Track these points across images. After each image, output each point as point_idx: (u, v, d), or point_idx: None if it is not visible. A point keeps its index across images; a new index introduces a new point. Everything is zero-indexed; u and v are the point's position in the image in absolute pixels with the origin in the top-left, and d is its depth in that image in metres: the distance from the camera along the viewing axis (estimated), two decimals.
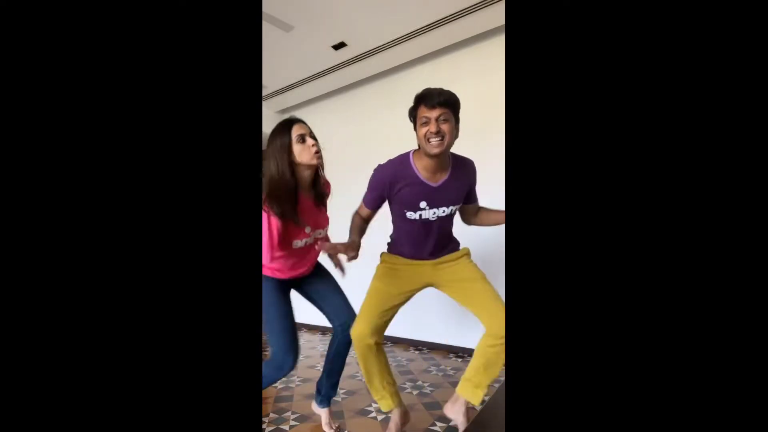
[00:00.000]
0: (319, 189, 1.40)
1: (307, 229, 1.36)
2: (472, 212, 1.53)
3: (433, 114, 1.22)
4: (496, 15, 2.38)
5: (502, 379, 2.16)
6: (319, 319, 1.58)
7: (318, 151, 1.31)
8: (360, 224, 1.42)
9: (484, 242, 2.54)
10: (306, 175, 1.33)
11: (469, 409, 1.41)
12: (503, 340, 1.26)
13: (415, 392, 2.00)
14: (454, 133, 1.27)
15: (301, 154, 1.28)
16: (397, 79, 3.10)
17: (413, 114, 1.30)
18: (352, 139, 3.37)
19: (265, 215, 1.24)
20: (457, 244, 1.49)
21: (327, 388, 1.55)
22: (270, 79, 3.27)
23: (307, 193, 1.36)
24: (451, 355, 2.66)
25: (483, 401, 1.36)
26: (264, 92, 3.48)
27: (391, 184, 1.33)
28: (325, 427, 1.57)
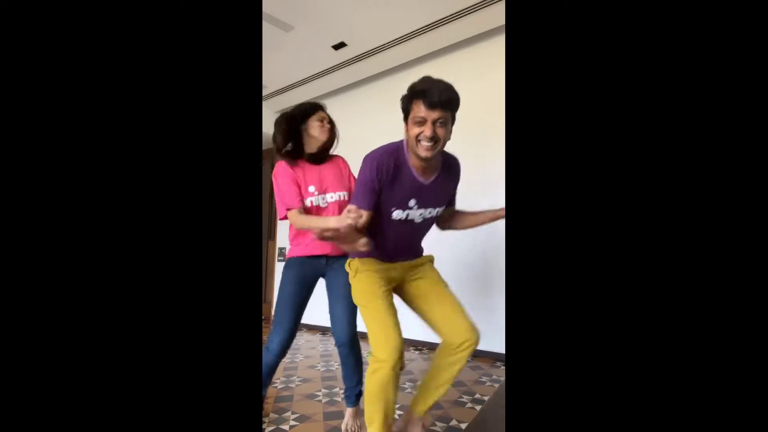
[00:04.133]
0: (321, 149, 1.45)
1: (311, 188, 1.41)
2: (447, 215, 1.38)
3: (432, 116, 1.08)
4: (496, 15, 2.38)
5: (502, 379, 2.16)
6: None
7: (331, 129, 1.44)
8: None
9: (483, 242, 2.54)
10: (312, 146, 1.43)
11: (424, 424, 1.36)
12: (462, 352, 1.22)
13: (415, 392, 1.99)
14: (448, 136, 1.15)
15: (316, 129, 1.42)
16: (397, 79, 3.10)
17: (407, 106, 1.14)
18: (352, 139, 3.36)
19: (278, 168, 1.39)
20: (422, 249, 1.41)
21: (349, 387, 1.52)
22: (270, 79, 3.27)
23: (308, 156, 1.45)
24: None
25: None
26: (264, 92, 3.49)
27: (387, 171, 1.17)
28: (342, 426, 1.52)
